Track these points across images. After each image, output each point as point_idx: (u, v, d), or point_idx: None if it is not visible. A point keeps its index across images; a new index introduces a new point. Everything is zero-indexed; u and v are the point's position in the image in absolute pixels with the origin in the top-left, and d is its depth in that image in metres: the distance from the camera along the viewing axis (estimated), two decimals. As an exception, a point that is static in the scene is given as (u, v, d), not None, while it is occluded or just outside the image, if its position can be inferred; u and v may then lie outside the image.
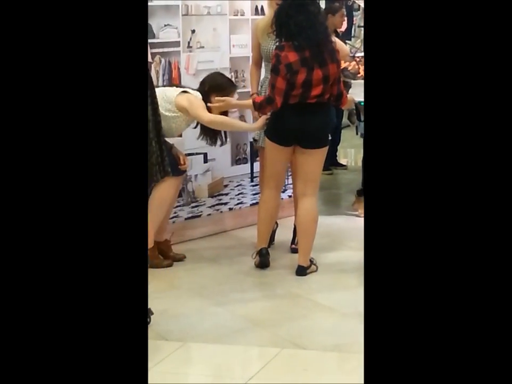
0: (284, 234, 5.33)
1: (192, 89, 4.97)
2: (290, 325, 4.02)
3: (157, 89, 4.12)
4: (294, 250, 5.07)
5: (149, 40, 5.09)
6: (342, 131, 8.18)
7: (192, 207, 5.57)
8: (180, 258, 5.08)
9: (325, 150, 4.79)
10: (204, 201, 5.65)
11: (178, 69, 5.34)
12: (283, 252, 5.22)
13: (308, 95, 4.57)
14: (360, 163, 7.42)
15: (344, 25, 8.90)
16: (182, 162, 4.93)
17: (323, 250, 5.18)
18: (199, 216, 5.62)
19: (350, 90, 6.99)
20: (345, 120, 8.84)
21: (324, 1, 7.92)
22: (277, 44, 4.67)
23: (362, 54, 6.79)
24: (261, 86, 5.14)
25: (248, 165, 5.91)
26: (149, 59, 4.92)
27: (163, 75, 5.26)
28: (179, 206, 5.44)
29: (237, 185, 5.87)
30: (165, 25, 5.27)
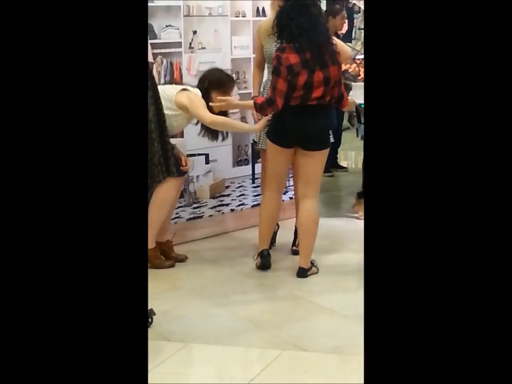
0: (285, 236, 5.33)
1: (192, 86, 4.98)
2: (291, 327, 4.03)
3: None
4: (295, 252, 5.07)
5: (151, 41, 5.09)
6: (343, 133, 8.19)
7: (194, 208, 5.57)
8: (182, 259, 5.08)
9: (326, 152, 4.80)
10: (206, 202, 5.65)
11: (180, 69, 5.34)
12: (284, 253, 5.22)
13: (308, 97, 4.57)
14: (360, 165, 7.43)
15: (345, 28, 8.92)
16: (183, 163, 4.93)
17: (324, 252, 5.18)
18: (201, 217, 5.62)
19: (351, 93, 7.00)
20: (345, 122, 8.86)
21: (325, 3, 7.93)
22: (278, 45, 4.68)
23: (363, 56, 6.80)
24: (263, 88, 5.14)
25: (250, 166, 5.92)
26: (151, 60, 4.91)
27: (165, 76, 5.27)
28: (181, 206, 5.45)
29: (238, 187, 5.87)
30: (167, 26, 5.27)
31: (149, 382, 3.16)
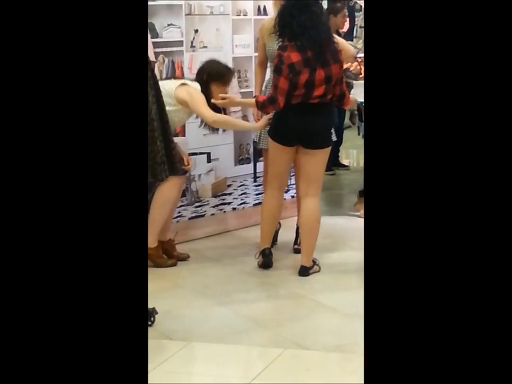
0: (286, 234, 5.34)
1: (191, 80, 4.97)
2: (293, 325, 4.03)
3: None
4: (297, 251, 5.07)
5: (152, 40, 5.11)
6: (344, 132, 8.18)
7: (196, 206, 5.58)
8: (184, 258, 5.09)
9: (327, 150, 4.80)
10: (208, 201, 5.65)
11: (182, 68, 5.35)
12: (286, 252, 5.22)
13: (310, 95, 4.58)
14: (362, 164, 7.43)
15: (346, 26, 8.91)
16: (185, 163, 4.94)
17: (326, 251, 5.19)
18: (203, 215, 5.63)
19: (352, 91, 6.99)
20: (347, 120, 8.84)
21: (326, 2, 7.92)
22: (280, 44, 4.68)
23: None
24: (266, 87, 5.13)
25: (251, 165, 5.91)
26: (152, 58, 4.92)
27: (166, 74, 5.27)
28: (183, 205, 5.45)
29: (240, 185, 5.87)
30: (168, 25, 5.28)
31: (151, 380, 3.17)
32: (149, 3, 5.01)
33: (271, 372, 3.47)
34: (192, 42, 5.43)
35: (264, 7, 5.84)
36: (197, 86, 4.89)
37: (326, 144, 4.76)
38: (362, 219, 5.68)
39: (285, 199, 5.18)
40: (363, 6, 9.49)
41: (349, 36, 9.44)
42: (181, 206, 5.41)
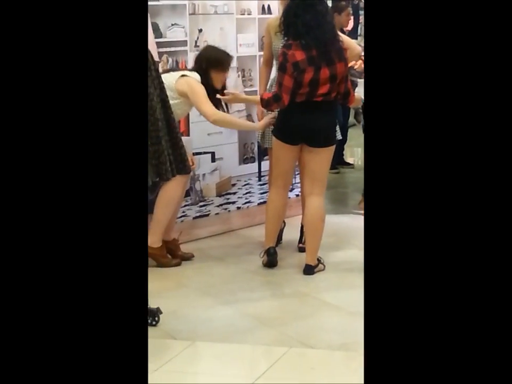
0: (291, 233, 5.34)
1: (190, 70, 4.95)
2: (298, 324, 4.03)
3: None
4: (302, 249, 5.08)
5: (156, 40, 5.11)
6: (349, 130, 8.18)
7: (200, 206, 5.58)
8: (188, 257, 5.09)
9: (332, 148, 4.80)
10: (212, 200, 5.65)
11: (186, 68, 5.34)
12: (291, 251, 5.23)
13: (314, 94, 4.58)
14: (367, 162, 7.41)
15: (351, 24, 8.91)
16: (190, 162, 4.94)
17: (330, 249, 5.19)
18: (207, 215, 5.63)
19: (356, 89, 6.98)
20: (351, 119, 8.85)
21: (330, 0, 7.92)
22: (285, 42, 4.68)
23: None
24: (271, 86, 5.12)
25: (256, 164, 5.92)
26: (156, 58, 4.92)
27: (170, 74, 5.27)
28: (187, 205, 5.46)
29: (245, 184, 5.87)
30: (172, 25, 5.28)
31: (155, 380, 3.18)
32: (153, 3, 5.03)
33: (276, 370, 3.47)
34: (196, 42, 5.43)
35: (269, 6, 5.84)
36: (196, 76, 4.88)
37: (330, 142, 4.76)
38: (367, 217, 5.70)
39: (289, 197, 5.18)
40: (367, 4, 9.48)
41: (353, 34, 9.43)
42: (185, 205, 5.41)
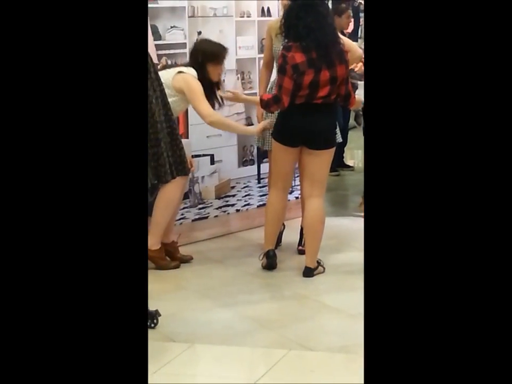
0: (291, 235, 5.33)
1: (185, 65, 4.92)
2: (298, 326, 4.02)
3: None
4: (301, 252, 5.07)
5: (155, 42, 5.11)
6: (349, 132, 8.17)
7: (199, 208, 5.57)
8: (187, 260, 5.08)
9: (331, 151, 4.79)
10: (211, 202, 5.65)
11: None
12: (290, 253, 5.22)
13: (314, 96, 4.57)
14: (367, 164, 7.40)
15: (351, 27, 8.90)
16: (189, 165, 4.93)
17: (330, 252, 5.18)
18: (206, 217, 5.62)
19: (357, 91, 6.99)
20: (352, 121, 8.83)
21: (330, 2, 7.91)
22: (284, 44, 4.67)
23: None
24: (271, 88, 5.11)
25: (255, 166, 5.91)
26: (156, 61, 4.92)
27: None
28: (186, 207, 5.45)
29: (244, 187, 5.87)
30: (171, 27, 5.27)
31: (154, 382, 3.17)
32: (152, 5, 5.03)
33: (276, 373, 3.46)
34: (195, 44, 5.42)
35: (268, 8, 5.84)
36: (193, 72, 4.85)
37: (330, 145, 4.75)
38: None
39: (289, 200, 5.17)
40: (367, 7, 9.49)
41: (353, 36, 9.43)
42: (184, 208, 5.41)
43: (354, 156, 9.10)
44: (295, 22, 4.54)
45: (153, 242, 4.80)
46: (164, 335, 3.86)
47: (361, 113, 8.75)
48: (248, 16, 5.74)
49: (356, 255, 5.11)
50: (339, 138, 5.05)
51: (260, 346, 3.82)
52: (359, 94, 6.07)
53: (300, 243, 5.22)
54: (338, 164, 7.75)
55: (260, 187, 5.91)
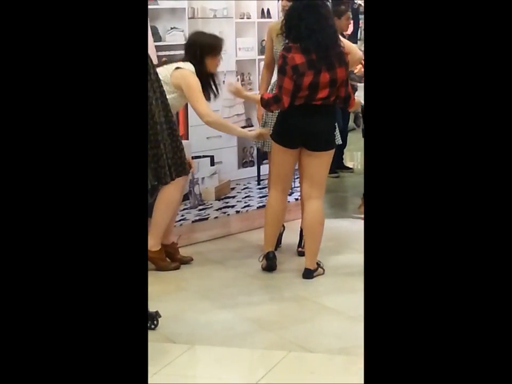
0: (291, 237, 5.33)
1: (183, 60, 4.88)
2: (297, 328, 4.02)
3: None
4: (301, 253, 5.07)
5: (156, 43, 5.10)
6: (349, 134, 8.18)
7: (199, 210, 5.57)
8: (187, 261, 5.08)
9: (331, 152, 4.79)
10: (211, 204, 5.65)
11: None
12: (290, 254, 5.22)
13: (313, 97, 4.57)
14: (366, 166, 7.39)
15: (350, 28, 8.92)
16: (188, 166, 4.92)
17: (330, 253, 5.18)
18: (206, 219, 5.62)
19: (356, 93, 7.00)
20: (351, 123, 8.84)
21: (330, 4, 7.92)
22: (285, 45, 4.67)
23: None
24: (271, 89, 5.10)
25: (255, 167, 5.91)
26: (155, 62, 4.91)
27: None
28: (186, 208, 5.45)
29: (244, 188, 5.87)
30: (171, 28, 5.27)
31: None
32: (152, 6, 5.02)
33: (275, 374, 3.46)
34: (195, 45, 5.41)
35: (268, 10, 5.84)
36: (191, 67, 4.83)
37: (329, 146, 4.75)
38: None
39: (288, 201, 5.18)
40: (367, 9, 9.50)
41: (353, 38, 9.45)
42: (184, 209, 5.41)
43: (354, 157, 9.10)
44: (297, 22, 4.54)
45: (153, 244, 4.80)
46: (164, 336, 3.86)
47: (360, 115, 8.78)
48: (248, 18, 5.74)
49: (355, 257, 5.11)
50: (339, 140, 5.06)
51: (259, 347, 3.82)
52: (359, 96, 6.07)
53: (299, 245, 5.22)
54: (337, 166, 7.75)
55: (260, 188, 5.91)
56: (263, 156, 5.71)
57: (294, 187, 5.75)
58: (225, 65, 5.52)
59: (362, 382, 2.39)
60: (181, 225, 5.39)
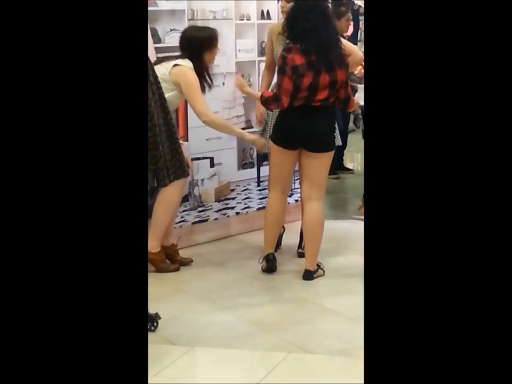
0: (291, 238, 5.33)
1: (181, 57, 4.86)
2: (297, 329, 4.02)
3: None
4: (301, 255, 5.07)
5: (155, 45, 5.10)
6: (348, 135, 8.18)
7: (199, 211, 5.57)
8: (187, 263, 5.08)
9: (330, 154, 4.79)
10: (211, 205, 5.64)
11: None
12: (290, 256, 5.22)
13: (313, 99, 4.57)
14: (366, 167, 7.39)
15: (350, 30, 8.91)
16: (186, 168, 4.91)
17: (330, 255, 5.18)
18: (206, 220, 5.62)
19: (356, 95, 7.01)
20: (351, 124, 8.84)
21: (329, 5, 7.91)
22: (285, 45, 4.67)
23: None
24: (272, 91, 5.10)
25: (255, 169, 5.91)
26: (155, 63, 4.90)
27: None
28: (186, 210, 5.45)
29: (244, 190, 5.87)
30: (171, 30, 5.27)
31: (154, 385, 3.16)
32: (152, 8, 5.02)
33: (275, 376, 3.46)
34: (195, 47, 5.41)
35: (268, 11, 5.84)
36: (189, 64, 4.82)
37: (328, 148, 4.75)
38: (366, 223, 5.69)
39: (288, 203, 5.17)
40: (366, 10, 9.49)
41: (352, 39, 9.44)
42: (184, 210, 5.40)
43: (354, 158, 9.10)
44: (300, 22, 4.52)
45: (153, 245, 4.80)
46: (164, 338, 3.86)
47: (360, 116, 8.78)
48: (247, 19, 5.75)
49: (355, 258, 5.11)
50: (338, 141, 5.06)
51: (259, 349, 3.82)
52: (359, 97, 6.07)
53: (299, 246, 5.22)
54: (338, 167, 7.76)
55: (260, 190, 5.91)
56: (263, 157, 5.71)
57: (294, 188, 5.75)
58: (225, 66, 5.53)
59: (362, 383, 2.39)
60: (180, 226, 5.39)
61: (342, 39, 4.88)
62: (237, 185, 5.81)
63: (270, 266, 4.86)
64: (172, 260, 5.01)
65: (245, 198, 5.87)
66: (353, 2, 10.82)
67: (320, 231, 4.78)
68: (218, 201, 5.70)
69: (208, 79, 4.96)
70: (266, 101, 4.66)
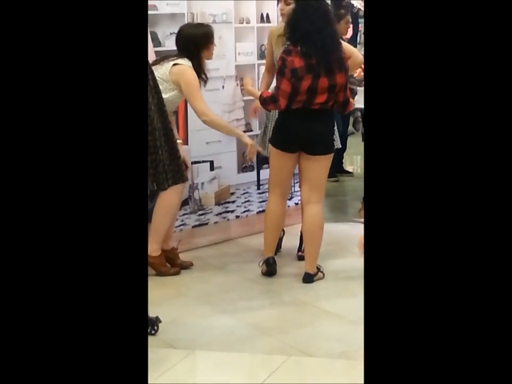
0: (291, 241, 5.33)
1: (180, 56, 4.85)
2: (297, 332, 4.02)
3: None
4: (301, 258, 5.07)
5: (155, 49, 5.11)
6: (348, 138, 8.19)
7: (199, 215, 5.57)
8: (187, 266, 5.08)
9: (330, 156, 4.79)
10: (211, 209, 5.65)
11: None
12: (290, 259, 5.22)
13: (311, 102, 4.57)
14: (366, 170, 7.40)
15: (349, 32, 8.92)
16: (185, 172, 4.91)
17: (330, 258, 5.18)
18: (206, 224, 5.62)
19: (356, 97, 7.01)
20: (350, 127, 8.85)
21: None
22: (285, 47, 4.67)
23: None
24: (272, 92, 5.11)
25: (255, 172, 5.91)
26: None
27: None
28: (186, 213, 5.45)
29: (244, 193, 5.87)
30: (171, 34, 5.26)
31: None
32: (151, 12, 5.02)
33: (276, 379, 3.46)
34: (194, 50, 5.41)
35: (267, 14, 5.85)
36: (188, 63, 4.82)
37: (328, 150, 4.75)
38: (366, 225, 5.69)
39: (288, 206, 5.17)
40: (366, 13, 9.48)
41: (352, 42, 9.44)
42: (184, 214, 5.41)
43: (353, 161, 9.10)
44: (303, 24, 4.53)
45: (153, 249, 4.81)
46: (164, 341, 3.86)
47: (359, 119, 8.79)
48: (247, 23, 5.75)
49: (355, 261, 5.11)
50: (338, 144, 5.06)
51: (260, 352, 3.81)
52: (358, 100, 6.08)
53: (299, 249, 5.22)
54: (337, 170, 7.76)
55: (260, 193, 5.92)
56: (262, 161, 5.71)
57: (294, 191, 5.75)
58: (225, 70, 5.54)
59: (363, 387, 2.39)
60: (180, 230, 5.39)
61: (342, 42, 4.89)
62: (236, 189, 5.82)
63: (270, 269, 4.86)
64: (172, 264, 5.01)
65: (245, 202, 5.87)
66: (353, 5, 10.81)
67: (320, 233, 4.78)
68: (218, 205, 5.70)
69: (203, 75, 4.96)
70: (264, 101, 4.67)
